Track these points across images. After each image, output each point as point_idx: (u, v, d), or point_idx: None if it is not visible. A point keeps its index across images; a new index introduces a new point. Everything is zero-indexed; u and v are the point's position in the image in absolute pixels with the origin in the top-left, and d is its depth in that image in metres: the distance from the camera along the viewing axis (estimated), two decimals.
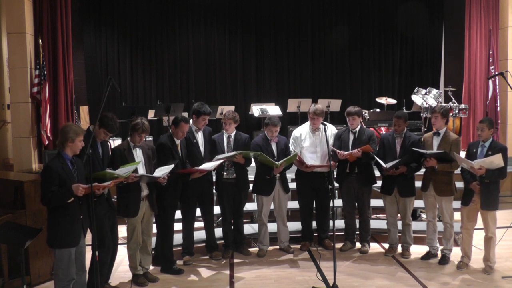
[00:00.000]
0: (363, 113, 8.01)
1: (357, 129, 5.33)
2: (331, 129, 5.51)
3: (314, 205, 5.58)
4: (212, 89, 11.51)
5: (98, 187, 3.77)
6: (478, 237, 5.04)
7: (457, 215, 5.16)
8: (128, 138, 4.56)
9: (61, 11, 7.24)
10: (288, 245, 5.52)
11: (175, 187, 4.82)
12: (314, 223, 5.62)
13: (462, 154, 4.98)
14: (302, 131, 5.44)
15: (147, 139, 5.88)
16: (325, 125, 4.88)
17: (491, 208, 4.64)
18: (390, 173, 5.03)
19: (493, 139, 4.76)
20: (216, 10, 11.42)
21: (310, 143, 5.34)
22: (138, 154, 4.48)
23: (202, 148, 5.12)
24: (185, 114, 8.82)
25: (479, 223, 4.83)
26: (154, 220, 4.85)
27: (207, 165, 4.86)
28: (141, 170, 4.45)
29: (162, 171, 4.48)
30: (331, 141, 5.29)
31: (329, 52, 11.81)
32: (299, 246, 5.51)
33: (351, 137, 5.32)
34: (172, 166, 4.54)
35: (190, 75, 11.45)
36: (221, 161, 4.98)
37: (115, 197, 4.65)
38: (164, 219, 4.84)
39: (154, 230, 4.95)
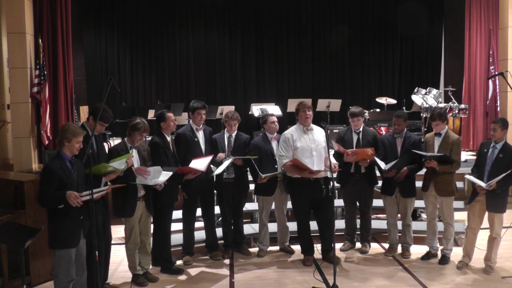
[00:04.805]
0: (364, 113, 8.01)
1: (360, 129, 5.30)
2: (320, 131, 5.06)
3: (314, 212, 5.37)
4: (212, 89, 11.53)
5: (96, 193, 3.74)
6: (479, 237, 5.03)
7: (457, 215, 5.17)
8: (125, 139, 4.56)
9: (61, 11, 7.23)
10: (288, 245, 5.52)
11: (171, 188, 4.79)
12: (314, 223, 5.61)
13: (463, 154, 4.97)
14: (292, 132, 4.99)
15: (147, 139, 5.87)
16: (325, 125, 4.59)
17: (498, 210, 4.62)
18: (389, 175, 5.02)
19: (506, 141, 4.64)
20: (216, 10, 11.43)
21: (304, 143, 4.89)
22: (134, 155, 4.48)
23: (203, 147, 5.12)
24: (185, 114, 8.84)
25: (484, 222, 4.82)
26: (152, 220, 4.85)
27: (199, 165, 4.81)
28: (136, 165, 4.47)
29: (162, 176, 4.47)
30: (324, 140, 4.88)
31: (329, 52, 11.83)
32: (299, 246, 5.49)
33: (355, 137, 5.28)
34: (171, 173, 4.54)
35: (190, 75, 11.47)
36: (209, 160, 4.93)
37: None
38: (160, 219, 4.84)
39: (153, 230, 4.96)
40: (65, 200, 3.53)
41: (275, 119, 5.36)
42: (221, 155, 5.08)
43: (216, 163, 5.10)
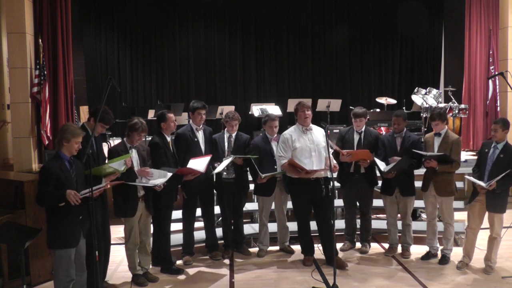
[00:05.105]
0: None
1: (362, 129, 5.29)
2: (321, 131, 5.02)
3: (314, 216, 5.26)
4: (212, 89, 11.54)
5: (95, 190, 3.76)
6: (479, 237, 5.03)
7: (457, 215, 5.16)
8: (125, 139, 4.55)
9: (61, 11, 7.23)
10: (288, 245, 5.52)
11: (170, 189, 4.78)
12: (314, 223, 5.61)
13: (463, 154, 4.97)
14: (291, 132, 4.97)
15: (147, 139, 5.88)
16: (325, 125, 4.57)
17: (497, 210, 4.62)
18: (389, 176, 5.02)
19: (507, 141, 4.62)
20: (216, 10, 11.44)
21: (303, 143, 4.86)
22: (133, 155, 4.48)
23: (202, 147, 5.12)
24: (185, 114, 8.85)
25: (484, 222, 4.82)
26: (151, 220, 4.84)
27: (197, 165, 4.79)
28: (136, 168, 4.47)
29: (158, 176, 4.48)
30: (323, 140, 4.85)
31: (329, 52, 11.83)
32: (299, 246, 5.48)
33: (356, 137, 5.27)
34: (170, 174, 4.54)
35: (190, 75, 11.47)
36: (207, 160, 4.93)
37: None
38: (160, 219, 4.84)
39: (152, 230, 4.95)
40: (65, 199, 3.53)
41: (276, 124, 5.28)
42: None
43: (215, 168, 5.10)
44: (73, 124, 3.89)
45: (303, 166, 4.77)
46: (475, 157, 4.99)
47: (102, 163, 4.28)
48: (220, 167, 4.98)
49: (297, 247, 5.41)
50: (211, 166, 5.06)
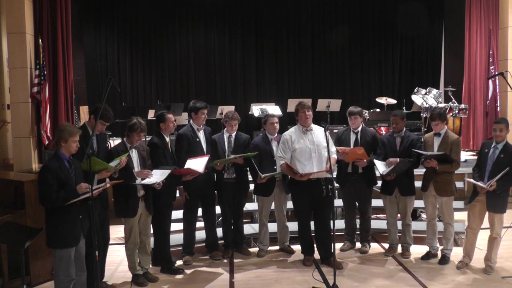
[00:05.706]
0: (364, 113, 8.02)
1: (359, 129, 5.30)
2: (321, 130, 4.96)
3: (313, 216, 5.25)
4: (212, 89, 11.53)
5: (96, 188, 3.77)
6: (479, 237, 5.03)
7: (457, 215, 5.16)
8: (125, 139, 4.56)
9: (61, 11, 7.24)
10: (288, 245, 5.52)
11: (170, 188, 4.78)
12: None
13: (463, 154, 4.97)
14: (291, 133, 4.95)
15: (146, 138, 5.87)
16: (325, 125, 4.55)
17: (498, 211, 4.62)
18: (388, 178, 5.02)
19: (507, 141, 4.62)
20: (216, 10, 11.43)
21: (303, 144, 4.84)
22: (133, 155, 4.49)
23: (204, 147, 5.12)
24: (185, 114, 8.84)
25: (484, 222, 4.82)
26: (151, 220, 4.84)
27: (196, 165, 4.79)
28: (136, 168, 4.48)
29: (158, 175, 4.48)
30: (324, 140, 4.75)
31: (329, 52, 11.82)
32: (299, 246, 5.49)
33: (353, 137, 5.28)
34: (169, 171, 4.54)
35: (190, 75, 11.46)
36: (206, 160, 4.91)
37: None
38: (159, 219, 4.84)
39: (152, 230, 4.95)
40: (77, 194, 3.55)
41: (276, 120, 5.33)
42: None
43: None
44: (69, 124, 3.91)
45: (304, 167, 4.78)
46: (475, 157, 4.99)
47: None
48: (219, 161, 5.02)
49: (297, 247, 5.41)
50: (210, 166, 5.06)
